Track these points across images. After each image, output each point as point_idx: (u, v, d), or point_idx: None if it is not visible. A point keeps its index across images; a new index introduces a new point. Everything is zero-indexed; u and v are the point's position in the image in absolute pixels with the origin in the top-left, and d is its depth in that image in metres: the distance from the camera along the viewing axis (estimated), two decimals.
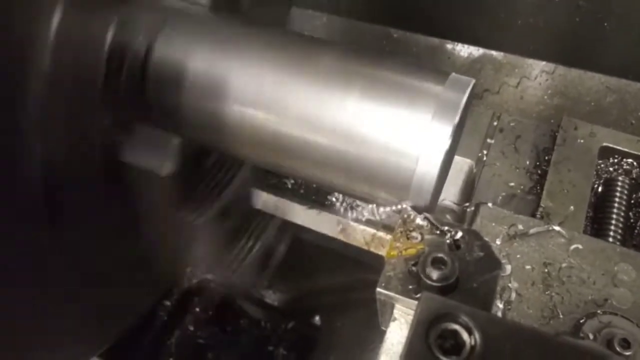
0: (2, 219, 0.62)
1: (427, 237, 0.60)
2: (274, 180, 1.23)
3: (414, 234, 0.60)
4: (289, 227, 1.46)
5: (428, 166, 0.63)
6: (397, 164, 0.64)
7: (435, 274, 0.53)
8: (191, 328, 1.39)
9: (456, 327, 0.45)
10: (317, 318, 1.54)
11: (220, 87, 0.68)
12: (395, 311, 0.59)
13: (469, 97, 0.65)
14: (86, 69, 0.67)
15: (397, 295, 0.56)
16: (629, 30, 1.32)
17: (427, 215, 0.62)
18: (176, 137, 0.76)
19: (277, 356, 1.44)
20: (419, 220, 0.62)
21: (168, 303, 1.40)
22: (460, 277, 0.54)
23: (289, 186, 1.24)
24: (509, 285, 0.80)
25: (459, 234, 0.60)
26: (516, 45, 1.43)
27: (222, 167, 0.91)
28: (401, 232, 0.61)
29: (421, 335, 0.44)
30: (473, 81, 0.67)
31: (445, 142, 0.62)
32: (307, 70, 0.67)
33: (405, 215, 0.62)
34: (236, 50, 0.69)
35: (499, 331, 0.44)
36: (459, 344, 0.45)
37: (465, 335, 0.44)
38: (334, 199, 1.22)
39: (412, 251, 0.59)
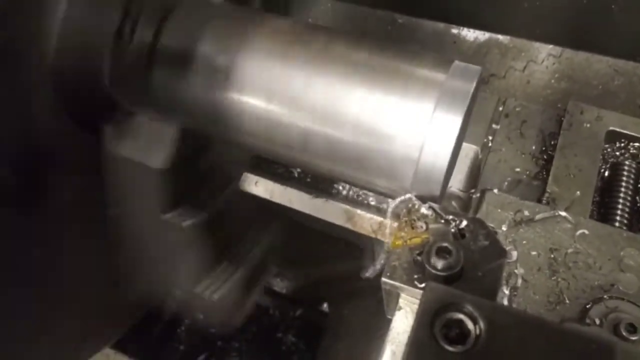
0: None
1: (432, 226, 0.60)
2: (281, 169, 1.23)
3: (419, 223, 0.60)
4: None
5: (436, 156, 0.62)
6: (403, 154, 0.64)
7: (440, 264, 0.54)
8: (201, 316, 1.41)
9: (461, 316, 0.45)
10: (325, 305, 1.55)
11: (226, 74, 0.68)
12: (400, 300, 0.59)
13: (476, 86, 0.65)
14: (93, 52, 0.67)
15: (402, 285, 0.56)
16: (637, 12, 1.31)
17: (432, 204, 0.62)
18: (176, 127, 0.75)
19: (285, 343, 1.46)
20: (423, 210, 0.62)
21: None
22: (465, 266, 0.54)
23: (295, 175, 1.24)
24: (515, 271, 0.79)
25: (464, 223, 0.60)
26: (523, 29, 1.42)
27: (214, 176, 0.88)
28: (406, 222, 0.61)
29: (426, 324, 0.45)
30: (480, 69, 0.66)
31: (453, 133, 0.62)
32: (314, 60, 0.67)
33: (410, 205, 0.63)
34: (245, 38, 0.69)
35: (504, 320, 0.44)
36: (464, 333, 0.45)
37: (470, 325, 0.44)
38: (340, 187, 1.22)
39: (417, 240, 0.59)
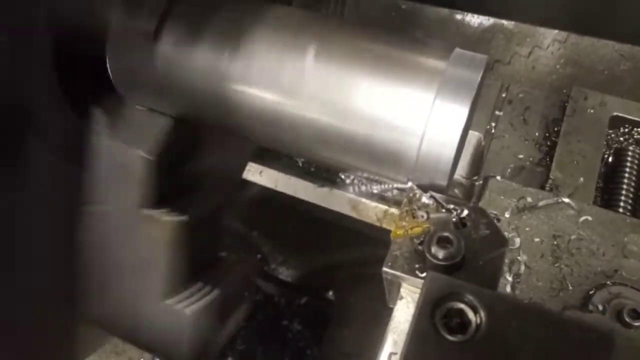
0: None
1: (432, 215, 0.60)
2: (286, 159, 1.24)
3: (420, 212, 0.60)
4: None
5: (442, 146, 0.62)
6: (408, 144, 0.63)
7: (441, 253, 0.54)
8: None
9: (462, 306, 0.45)
10: (330, 293, 1.55)
11: (230, 60, 0.67)
12: (402, 289, 0.60)
13: (483, 76, 0.64)
14: (99, 26, 0.66)
15: (403, 275, 0.56)
16: None
17: (433, 193, 0.62)
18: (168, 118, 0.74)
19: (291, 331, 1.47)
20: (424, 199, 0.62)
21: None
22: (466, 255, 0.54)
23: (300, 164, 1.25)
24: (518, 258, 0.79)
25: (465, 212, 0.60)
26: (528, 14, 1.40)
27: (199, 187, 0.83)
28: (407, 211, 0.61)
29: (427, 314, 0.45)
30: (487, 58, 0.65)
31: (460, 122, 0.61)
32: (316, 50, 0.66)
33: (411, 194, 0.62)
34: (249, 26, 0.68)
35: (505, 309, 0.45)
36: (464, 323, 0.45)
37: (470, 314, 0.45)
38: (344, 177, 1.22)
39: (418, 230, 0.59)
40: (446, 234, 0.55)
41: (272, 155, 1.22)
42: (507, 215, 0.83)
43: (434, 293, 0.46)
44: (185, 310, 0.73)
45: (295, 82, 0.67)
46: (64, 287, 0.77)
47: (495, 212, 0.84)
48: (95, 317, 0.79)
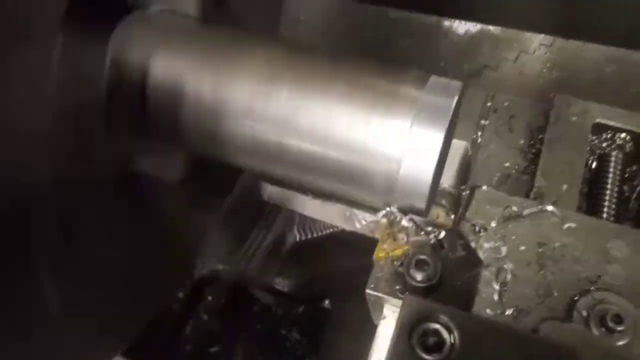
0: (22, 256, 0.66)
1: (412, 238, 0.63)
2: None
3: (400, 235, 0.63)
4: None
5: (419, 171, 0.64)
6: (386, 170, 0.66)
7: (419, 276, 0.57)
8: (205, 317, 1.44)
9: (437, 326, 0.48)
10: (327, 302, 1.57)
11: (213, 101, 0.71)
12: (385, 309, 0.62)
13: (458, 101, 0.66)
14: (88, 93, 0.70)
15: (385, 296, 0.59)
16: None
17: (413, 216, 0.65)
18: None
19: (289, 340, 1.49)
20: (404, 222, 0.65)
21: (181, 295, 1.45)
22: (443, 275, 0.57)
23: None
24: (505, 266, 0.80)
25: (442, 234, 0.63)
26: (514, 19, 1.43)
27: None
28: (388, 234, 0.64)
29: (404, 336, 0.48)
30: (461, 85, 0.68)
31: (436, 148, 0.64)
32: (297, 83, 0.69)
33: (392, 217, 0.65)
34: (228, 64, 0.72)
35: (477, 329, 0.48)
36: (440, 342, 0.48)
37: (445, 334, 0.47)
38: None
39: (398, 252, 0.62)
40: (423, 256, 0.58)
41: None
42: (493, 224, 0.85)
43: (411, 316, 0.49)
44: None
45: (278, 117, 0.70)
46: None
47: (482, 222, 0.87)
48: None
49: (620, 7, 1.33)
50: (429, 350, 0.48)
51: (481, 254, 0.78)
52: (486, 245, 0.80)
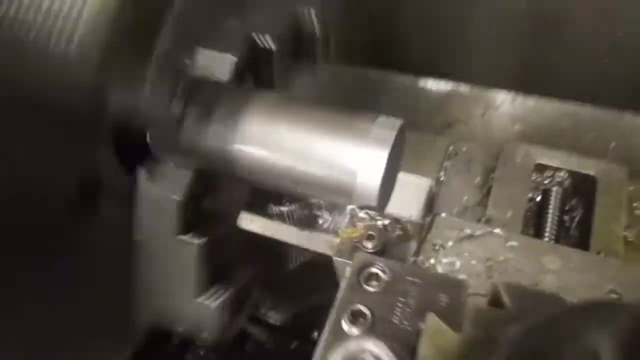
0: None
1: (366, 224, 0.86)
2: (272, 210, 1.42)
3: (359, 223, 0.86)
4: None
5: (371, 180, 0.85)
6: (349, 180, 0.88)
7: (369, 245, 0.80)
8: (202, 353, 1.49)
9: (376, 270, 0.70)
10: (315, 334, 1.65)
11: (232, 132, 0.93)
12: (346, 271, 0.82)
13: (399, 132, 0.87)
14: (140, 120, 0.89)
15: (346, 261, 0.81)
16: (574, 59, 1.46)
17: (367, 211, 0.89)
18: (192, 172, 0.96)
19: None
20: (361, 214, 0.89)
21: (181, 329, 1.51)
22: (386, 245, 0.80)
23: (285, 216, 1.42)
24: (459, 277, 0.93)
25: (387, 221, 0.86)
26: (481, 78, 1.54)
27: (217, 213, 1.06)
28: (350, 223, 0.87)
29: (355, 275, 0.70)
30: (402, 122, 0.88)
31: (381, 165, 0.84)
32: (292, 121, 0.92)
33: (353, 212, 0.90)
34: (243, 109, 0.93)
35: (400, 270, 0.69)
36: (378, 278, 0.70)
37: (381, 274, 0.69)
38: (321, 222, 1.41)
39: (356, 234, 0.85)
40: (372, 232, 0.80)
41: (260, 207, 1.41)
42: (450, 243, 0.98)
43: (359, 263, 0.71)
44: (211, 304, 0.98)
45: (275, 144, 0.92)
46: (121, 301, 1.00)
47: (441, 242, 1.01)
48: (144, 316, 1.03)
49: (569, 65, 1.46)
50: (371, 284, 0.69)
51: (439, 268, 0.96)
52: (444, 260, 0.96)
